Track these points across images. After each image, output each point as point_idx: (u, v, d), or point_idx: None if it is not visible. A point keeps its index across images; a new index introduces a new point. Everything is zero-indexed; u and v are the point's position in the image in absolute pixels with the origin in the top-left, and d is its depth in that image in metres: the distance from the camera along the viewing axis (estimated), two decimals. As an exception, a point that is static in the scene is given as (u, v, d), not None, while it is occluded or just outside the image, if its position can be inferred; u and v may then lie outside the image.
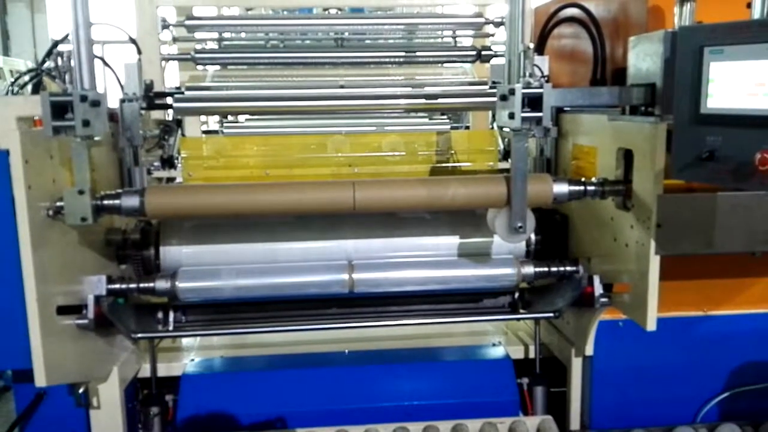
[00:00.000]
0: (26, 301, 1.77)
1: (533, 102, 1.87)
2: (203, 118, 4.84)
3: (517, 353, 2.64)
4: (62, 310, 1.92)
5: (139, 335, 2.25)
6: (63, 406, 2.21)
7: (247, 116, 4.75)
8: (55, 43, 2.29)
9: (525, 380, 2.56)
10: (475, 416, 2.34)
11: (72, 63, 1.79)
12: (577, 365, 2.46)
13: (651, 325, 1.97)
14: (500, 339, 2.74)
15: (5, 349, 1.84)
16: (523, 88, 1.86)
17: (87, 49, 1.80)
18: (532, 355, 2.63)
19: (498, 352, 2.65)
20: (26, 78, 2.68)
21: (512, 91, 1.85)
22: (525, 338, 2.73)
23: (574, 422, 2.49)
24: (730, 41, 1.53)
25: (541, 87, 1.87)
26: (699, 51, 1.59)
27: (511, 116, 1.86)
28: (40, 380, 1.82)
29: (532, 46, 1.92)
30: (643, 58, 1.93)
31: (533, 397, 2.55)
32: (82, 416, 2.24)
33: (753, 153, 1.47)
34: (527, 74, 1.89)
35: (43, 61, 2.24)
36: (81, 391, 2.14)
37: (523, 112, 1.87)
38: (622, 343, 2.37)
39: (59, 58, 1.86)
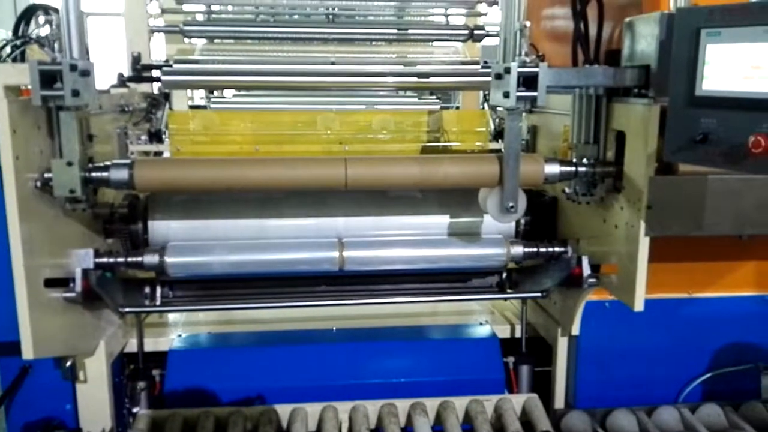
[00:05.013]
0: (14, 272, 1.74)
1: (528, 81, 1.86)
2: (189, 93, 4.79)
3: (504, 332, 2.66)
4: (50, 283, 1.90)
5: (127, 310, 2.24)
6: (49, 380, 2.19)
7: (234, 92, 4.70)
8: (25, 12, 2.20)
9: (511, 359, 2.58)
10: (461, 394, 2.37)
11: (61, 30, 1.75)
12: (562, 344, 2.49)
13: (639, 306, 1.99)
14: (487, 318, 2.76)
15: None
16: (519, 66, 1.85)
17: (76, 17, 1.77)
18: (518, 334, 2.65)
19: (485, 331, 2.67)
20: (8, 50, 2.60)
21: (508, 70, 1.84)
22: (511, 318, 2.75)
23: (559, 401, 2.52)
24: (728, 23, 1.52)
25: (536, 66, 1.86)
26: (696, 33, 1.58)
27: (506, 95, 1.85)
28: (28, 353, 1.80)
29: (528, 24, 1.90)
30: (638, 40, 1.92)
31: (519, 376, 2.58)
32: (68, 390, 2.22)
33: (747, 136, 1.47)
34: (523, 53, 1.88)
35: (25, 26, 2.17)
36: (68, 364, 2.13)
37: (517, 91, 1.86)
38: (608, 323, 2.40)
39: (48, 26, 1.82)
